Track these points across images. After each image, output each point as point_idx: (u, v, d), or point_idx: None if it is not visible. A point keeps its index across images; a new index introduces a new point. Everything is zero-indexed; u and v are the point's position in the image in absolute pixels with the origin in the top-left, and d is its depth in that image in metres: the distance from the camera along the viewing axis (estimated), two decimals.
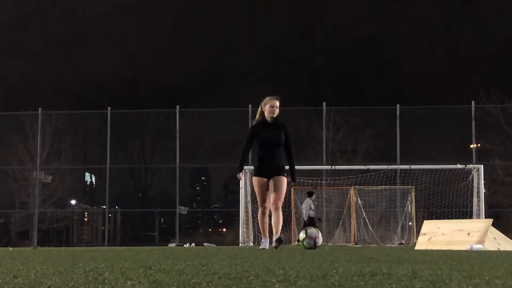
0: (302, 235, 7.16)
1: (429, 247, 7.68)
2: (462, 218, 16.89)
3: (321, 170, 21.23)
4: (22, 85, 48.65)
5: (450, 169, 18.34)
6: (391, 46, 64.54)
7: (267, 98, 7.38)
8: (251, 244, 17.14)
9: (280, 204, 7.28)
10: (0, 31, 56.30)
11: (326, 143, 22.73)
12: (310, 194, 17.72)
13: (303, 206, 17.79)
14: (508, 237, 7.89)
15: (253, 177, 7.49)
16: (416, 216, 19.04)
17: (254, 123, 7.51)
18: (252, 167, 18.55)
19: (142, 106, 34.68)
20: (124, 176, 32.91)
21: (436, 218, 17.67)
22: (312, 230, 7.21)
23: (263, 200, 7.37)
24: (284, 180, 7.28)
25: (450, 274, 2.18)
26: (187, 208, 23.74)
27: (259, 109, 7.43)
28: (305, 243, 7.00)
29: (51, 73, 61.36)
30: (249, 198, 18.01)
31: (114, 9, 69.35)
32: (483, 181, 17.61)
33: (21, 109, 25.17)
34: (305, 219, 17.35)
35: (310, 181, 19.40)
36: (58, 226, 27.34)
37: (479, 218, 16.73)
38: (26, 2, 61.07)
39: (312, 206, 17.50)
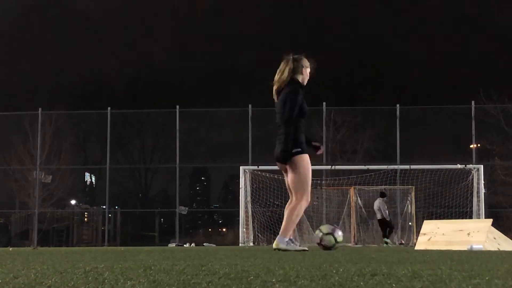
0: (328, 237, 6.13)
1: (429, 247, 7.67)
2: (462, 218, 16.89)
3: (321, 170, 21.23)
4: (22, 85, 48.72)
5: (450, 169, 18.34)
6: (391, 46, 64.54)
7: (307, 60, 5.98)
8: (251, 244, 17.15)
9: None
10: (0, 31, 56.36)
11: (326, 143, 22.73)
12: (383, 195, 17.48)
13: (375, 207, 17.55)
14: (508, 237, 7.88)
15: (302, 156, 5.69)
16: (416, 216, 19.05)
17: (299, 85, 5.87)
18: (252, 167, 18.66)
19: (142, 106, 34.79)
20: (124, 176, 32.95)
21: (436, 218, 17.68)
22: (325, 226, 6.41)
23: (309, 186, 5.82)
24: None
25: (450, 274, 2.18)
26: (187, 208, 23.74)
27: (300, 68, 5.89)
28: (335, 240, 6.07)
29: (51, 73, 61.42)
30: (249, 198, 18.03)
31: (115, 9, 69.41)
32: (483, 181, 17.62)
33: (21, 109, 25.19)
34: (379, 218, 17.21)
35: None
36: (58, 226, 27.34)
37: (479, 218, 16.74)
38: (27, 3, 61.09)
39: (385, 207, 17.24)
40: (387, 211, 17.20)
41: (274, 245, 5.65)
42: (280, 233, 5.69)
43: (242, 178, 18.00)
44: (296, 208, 5.71)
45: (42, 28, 65.01)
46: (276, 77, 5.86)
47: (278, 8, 72.47)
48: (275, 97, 5.92)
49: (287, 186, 5.89)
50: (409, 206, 19.38)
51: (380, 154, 24.40)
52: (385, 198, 17.47)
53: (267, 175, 18.22)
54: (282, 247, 5.53)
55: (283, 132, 5.71)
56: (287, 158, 5.68)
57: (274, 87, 5.88)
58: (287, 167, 5.75)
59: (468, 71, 54.45)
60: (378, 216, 17.25)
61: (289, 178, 5.76)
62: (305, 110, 5.80)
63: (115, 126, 24.74)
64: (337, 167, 20.96)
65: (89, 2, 68.42)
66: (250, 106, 21.87)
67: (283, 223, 5.75)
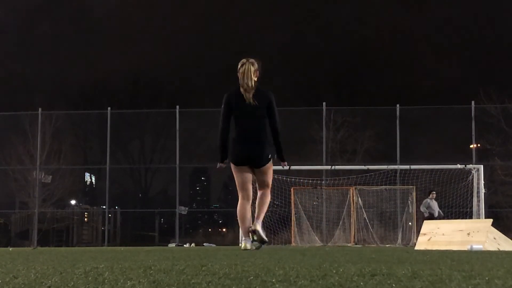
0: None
1: (429, 247, 7.68)
2: (462, 218, 16.89)
3: (321, 170, 21.23)
4: (22, 85, 48.70)
5: (450, 169, 18.34)
6: (391, 46, 64.51)
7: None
8: None
9: None
10: (0, 32, 56.36)
11: (326, 143, 22.73)
12: (429, 193, 17.35)
13: (421, 207, 17.37)
14: (508, 237, 7.88)
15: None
16: (416, 216, 19.05)
17: None
18: None
19: (142, 106, 34.71)
20: (124, 176, 32.98)
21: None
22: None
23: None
24: None
25: (450, 274, 2.18)
26: (187, 208, 23.75)
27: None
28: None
29: (51, 73, 61.42)
30: None
31: (115, 9, 69.38)
32: (483, 181, 17.61)
33: (21, 109, 25.19)
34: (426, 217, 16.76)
35: (310, 181, 19.40)
36: (58, 226, 27.35)
37: (479, 218, 16.74)
38: (26, 3, 61.10)
39: (435, 206, 17.02)
40: (434, 210, 16.89)
41: (253, 227, 6.00)
42: (258, 218, 6.10)
43: None
44: (268, 198, 6.25)
45: (42, 28, 65.03)
46: (251, 83, 5.95)
47: (278, 8, 72.48)
48: (250, 98, 5.96)
49: (244, 183, 6.21)
50: (410, 206, 19.38)
51: (380, 154, 24.40)
52: (429, 196, 17.19)
53: None
54: (259, 227, 6.00)
55: (267, 136, 6.05)
56: (268, 161, 6.12)
57: (251, 93, 5.96)
58: (260, 168, 6.14)
59: (468, 71, 54.43)
60: (425, 215, 17.00)
61: (262, 176, 6.19)
62: None
63: (115, 126, 24.74)
64: (337, 167, 20.95)
65: (89, 2, 68.45)
66: None
67: (262, 210, 6.17)
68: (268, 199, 6.26)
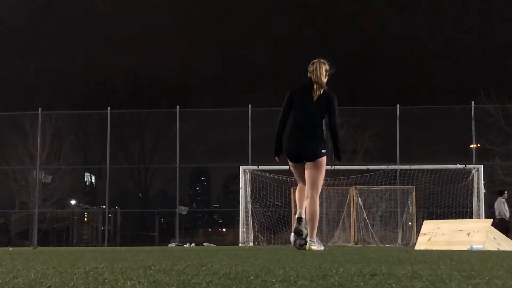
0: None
1: (429, 247, 7.68)
2: (462, 218, 16.88)
3: None
4: (22, 85, 48.69)
5: (450, 169, 18.33)
6: (392, 46, 64.53)
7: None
8: (251, 244, 17.14)
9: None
10: (0, 32, 56.34)
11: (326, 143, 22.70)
12: (501, 193, 16.97)
13: (495, 206, 17.00)
14: (508, 237, 7.89)
15: (325, 157, 6.37)
16: (416, 216, 19.04)
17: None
18: (252, 167, 18.65)
19: (142, 106, 34.75)
20: (124, 176, 33.01)
21: (436, 218, 17.68)
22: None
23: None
24: None
25: (450, 274, 2.18)
26: (187, 208, 23.74)
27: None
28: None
29: (51, 73, 61.43)
30: (249, 198, 18.02)
31: (115, 9, 69.40)
32: (483, 181, 17.61)
33: (21, 109, 25.20)
34: (496, 219, 16.22)
35: None
36: (58, 226, 27.34)
37: (479, 218, 16.73)
38: (26, 4, 61.09)
39: (506, 206, 16.67)
40: (505, 211, 16.54)
41: (307, 247, 6.03)
42: (310, 235, 6.15)
43: (242, 178, 17.99)
44: (317, 207, 6.33)
45: (42, 28, 65.05)
46: (322, 79, 6.14)
47: (278, 9, 72.51)
48: (315, 95, 6.10)
49: (301, 176, 6.38)
50: (411, 206, 19.37)
51: (380, 154, 24.42)
52: (504, 195, 16.81)
53: (267, 175, 18.22)
54: (315, 248, 5.98)
55: (321, 133, 6.13)
56: (320, 155, 6.17)
57: (321, 90, 6.10)
58: (311, 164, 6.19)
59: (468, 71, 54.44)
60: (498, 216, 16.59)
61: (312, 172, 6.27)
62: None
63: (115, 126, 24.73)
64: (337, 167, 20.92)
65: (89, 3, 68.48)
66: (250, 106, 21.85)
67: (313, 225, 6.23)
68: (317, 208, 6.31)
